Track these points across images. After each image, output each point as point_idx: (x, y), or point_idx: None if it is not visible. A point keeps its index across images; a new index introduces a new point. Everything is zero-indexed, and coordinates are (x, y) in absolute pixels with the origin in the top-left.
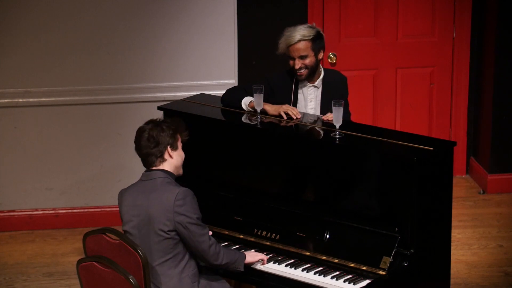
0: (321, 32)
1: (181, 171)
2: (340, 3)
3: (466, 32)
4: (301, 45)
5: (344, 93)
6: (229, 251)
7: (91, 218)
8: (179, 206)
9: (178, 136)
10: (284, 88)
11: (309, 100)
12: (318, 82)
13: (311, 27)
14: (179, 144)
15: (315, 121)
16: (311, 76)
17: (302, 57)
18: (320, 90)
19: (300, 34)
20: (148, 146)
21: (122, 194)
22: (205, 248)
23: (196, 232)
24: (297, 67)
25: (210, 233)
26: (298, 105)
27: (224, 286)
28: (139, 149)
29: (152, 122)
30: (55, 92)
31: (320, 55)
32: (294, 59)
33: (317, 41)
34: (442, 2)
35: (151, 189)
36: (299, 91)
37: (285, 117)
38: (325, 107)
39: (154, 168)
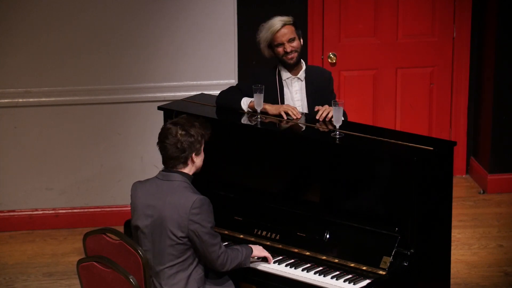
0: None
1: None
2: (340, 3)
3: (466, 32)
4: (287, 29)
5: (328, 87)
6: (236, 255)
7: (91, 218)
8: (194, 214)
9: (203, 140)
10: (270, 83)
11: (295, 92)
12: (301, 74)
13: (286, 15)
14: (202, 148)
15: (315, 121)
16: (297, 63)
17: (291, 40)
18: (303, 82)
19: (281, 20)
20: (174, 151)
21: (136, 187)
22: (214, 258)
23: (208, 242)
24: (288, 49)
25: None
26: (285, 97)
27: None
28: (163, 149)
29: (181, 127)
30: (55, 92)
31: (301, 41)
32: (282, 44)
33: (297, 26)
34: (442, 2)
35: (167, 191)
36: (284, 84)
37: (285, 117)
38: (311, 99)
39: (174, 169)
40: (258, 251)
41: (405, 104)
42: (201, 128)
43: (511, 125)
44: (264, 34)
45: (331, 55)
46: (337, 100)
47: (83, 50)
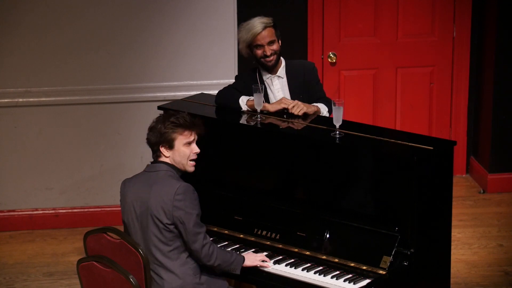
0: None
1: (188, 168)
2: (340, 3)
3: (466, 32)
4: (267, 32)
5: (312, 78)
6: (225, 253)
7: (91, 218)
8: (178, 200)
9: (178, 136)
10: (252, 85)
11: (276, 91)
12: (280, 71)
13: (265, 16)
14: (178, 144)
15: (315, 121)
16: (275, 64)
17: (270, 43)
18: (285, 79)
19: (261, 22)
20: (149, 138)
21: (124, 184)
22: (198, 248)
23: (192, 231)
24: (268, 53)
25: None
26: (268, 97)
27: (223, 285)
28: (148, 138)
29: (163, 116)
30: (55, 92)
31: (280, 42)
32: (263, 46)
33: (277, 28)
34: (442, 2)
35: (153, 181)
36: (265, 84)
37: (289, 107)
38: (295, 95)
39: (159, 160)
40: (250, 261)
41: (405, 104)
42: (177, 124)
43: (511, 125)
44: (244, 35)
45: (331, 55)
46: (337, 99)
47: (83, 50)
